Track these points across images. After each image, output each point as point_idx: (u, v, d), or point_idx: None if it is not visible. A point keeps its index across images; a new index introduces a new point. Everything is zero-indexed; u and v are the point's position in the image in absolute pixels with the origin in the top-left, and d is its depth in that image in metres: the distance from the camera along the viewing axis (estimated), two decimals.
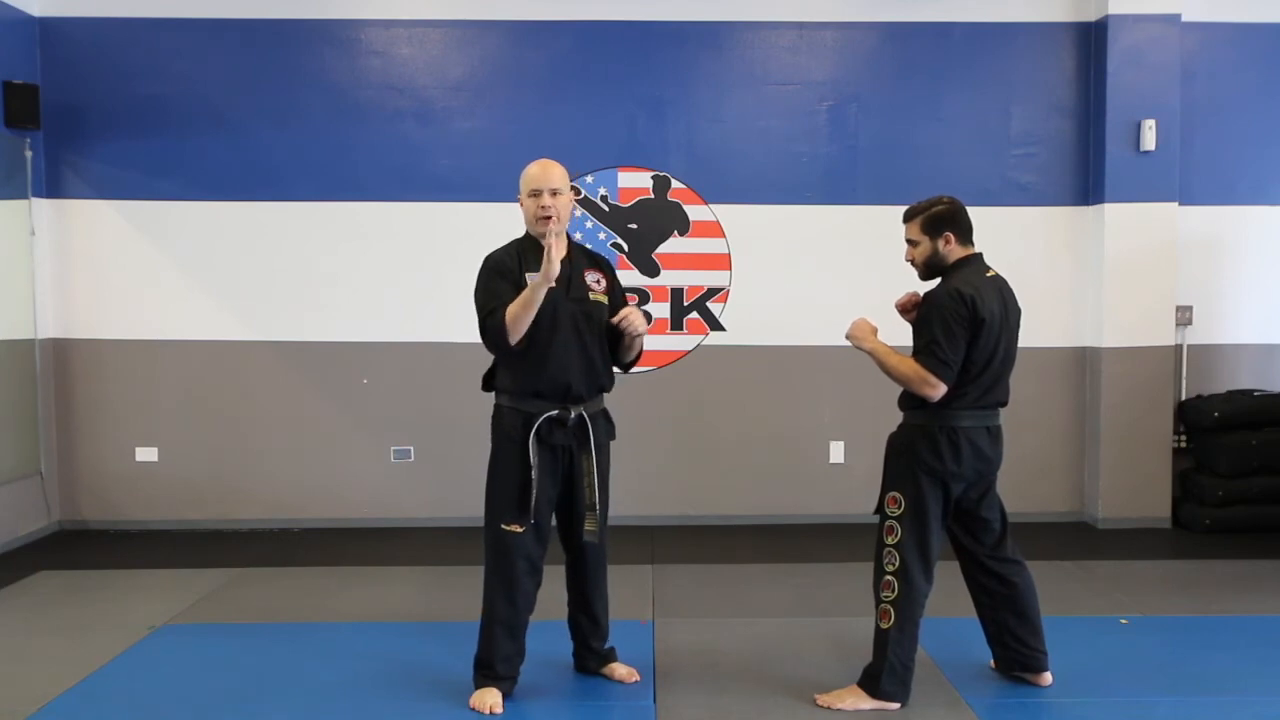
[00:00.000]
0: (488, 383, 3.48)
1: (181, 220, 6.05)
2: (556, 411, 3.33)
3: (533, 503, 3.31)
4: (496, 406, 3.43)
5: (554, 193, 3.32)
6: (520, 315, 3.19)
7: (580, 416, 3.38)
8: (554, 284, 3.22)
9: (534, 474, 3.29)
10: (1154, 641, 4.08)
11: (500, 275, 3.32)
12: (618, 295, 3.53)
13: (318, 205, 6.06)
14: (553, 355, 3.30)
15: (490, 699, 3.36)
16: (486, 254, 3.43)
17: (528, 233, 3.45)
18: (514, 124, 6.04)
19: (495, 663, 3.40)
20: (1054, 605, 4.06)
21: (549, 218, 3.29)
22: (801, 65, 6.10)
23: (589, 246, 3.76)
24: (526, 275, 3.29)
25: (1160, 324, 6.04)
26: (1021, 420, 5.60)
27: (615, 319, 3.42)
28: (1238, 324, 6.26)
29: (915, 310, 3.46)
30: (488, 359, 3.48)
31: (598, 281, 3.46)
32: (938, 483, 3.34)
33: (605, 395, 3.53)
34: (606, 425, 3.53)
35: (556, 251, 3.17)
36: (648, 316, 5.56)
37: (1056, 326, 6.15)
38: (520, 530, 3.32)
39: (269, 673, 3.75)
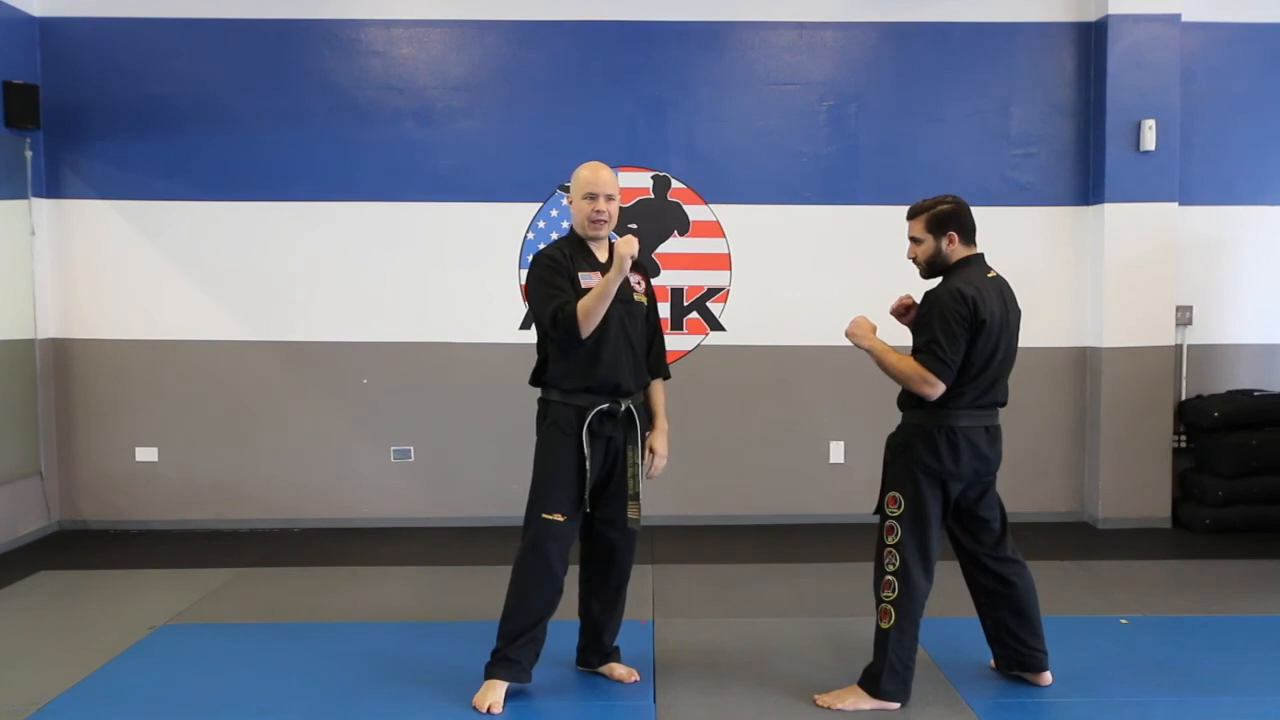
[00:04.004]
0: (536, 378, 3.53)
1: (182, 220, 6.05)
2: (607, 405, 3.41)
3: (586, 492, 3.40)
4: (544, 401, 3.50)
5: (608, 198, 3.44)
6: (594, 309, 3.29)
7: (629, 409, 3.47)
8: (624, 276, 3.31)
9: (588, 465, 3.38)
10: (1154, 641, 4.08)
11: (558, 271, 3.41)
12: (652, 295, 3.66)
13: (318, 205, 6.06)
14: (604, 353, 3.40)
15: (491, 696, 3.36)
16: (538, 250, 3.51)
17: (573, 232, 3.54)
18: (514, 124, 6.04)
19: (520, 643, 3.39)
20: (1054, 605, 4.07)
21: (603, 221, 3.42)
22: (801, 65, 6.10)
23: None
24: (580, 275, 3.40)
25: (1160, 324, 6.04)
26: (1021, 420, 5.59)
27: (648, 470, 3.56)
28: (1238, 324, 6.26)
29: (910, 313, 3.47)
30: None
31: (639, 282, 3.57)
32: (937, 482, 3.34)
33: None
34: (645, 417, 3.60)
35: (628, 248, 3.25)
36: None
37: (1056, 327, 6.15)
38: (562, 519, 3.39)
39: (269, 672, 3.76)
